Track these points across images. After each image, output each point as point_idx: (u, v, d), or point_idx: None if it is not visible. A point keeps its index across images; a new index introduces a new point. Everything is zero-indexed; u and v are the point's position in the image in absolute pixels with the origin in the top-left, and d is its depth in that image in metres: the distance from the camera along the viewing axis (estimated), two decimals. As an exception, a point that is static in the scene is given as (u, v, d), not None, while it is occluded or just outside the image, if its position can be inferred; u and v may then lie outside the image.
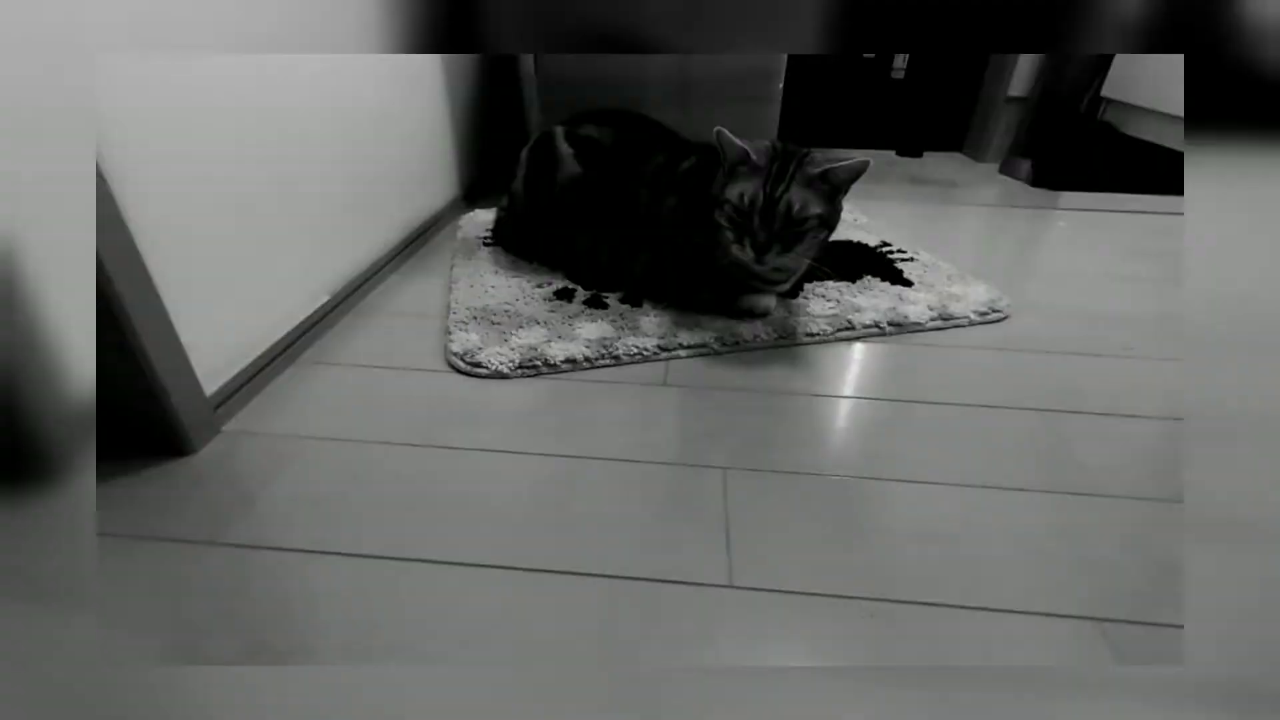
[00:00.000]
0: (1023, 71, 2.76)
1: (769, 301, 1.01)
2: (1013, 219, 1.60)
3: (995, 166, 2.91)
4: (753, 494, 0.68)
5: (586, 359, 0.90)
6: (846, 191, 0.89)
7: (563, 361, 0.89)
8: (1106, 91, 2.48)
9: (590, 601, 0.56)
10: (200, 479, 0.69)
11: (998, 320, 1.04)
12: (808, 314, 1.02)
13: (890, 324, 1.00)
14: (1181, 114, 2.15)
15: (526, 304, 1.04)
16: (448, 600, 0.56)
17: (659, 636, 0.53)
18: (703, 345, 0.94)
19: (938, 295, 1.08)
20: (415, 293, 1.12)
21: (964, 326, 1.02)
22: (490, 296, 1.06)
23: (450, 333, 0.95)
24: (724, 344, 0.94)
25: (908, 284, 1.13)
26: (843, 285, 1.12)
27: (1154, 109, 2.27)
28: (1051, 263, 1.31)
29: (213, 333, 0.75)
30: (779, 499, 0.67)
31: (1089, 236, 1.46)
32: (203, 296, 0.73)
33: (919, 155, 3.01)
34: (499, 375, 0.87)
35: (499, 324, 0.97)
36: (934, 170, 2.85)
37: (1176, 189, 2.35)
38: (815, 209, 0.85)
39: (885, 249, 1.28)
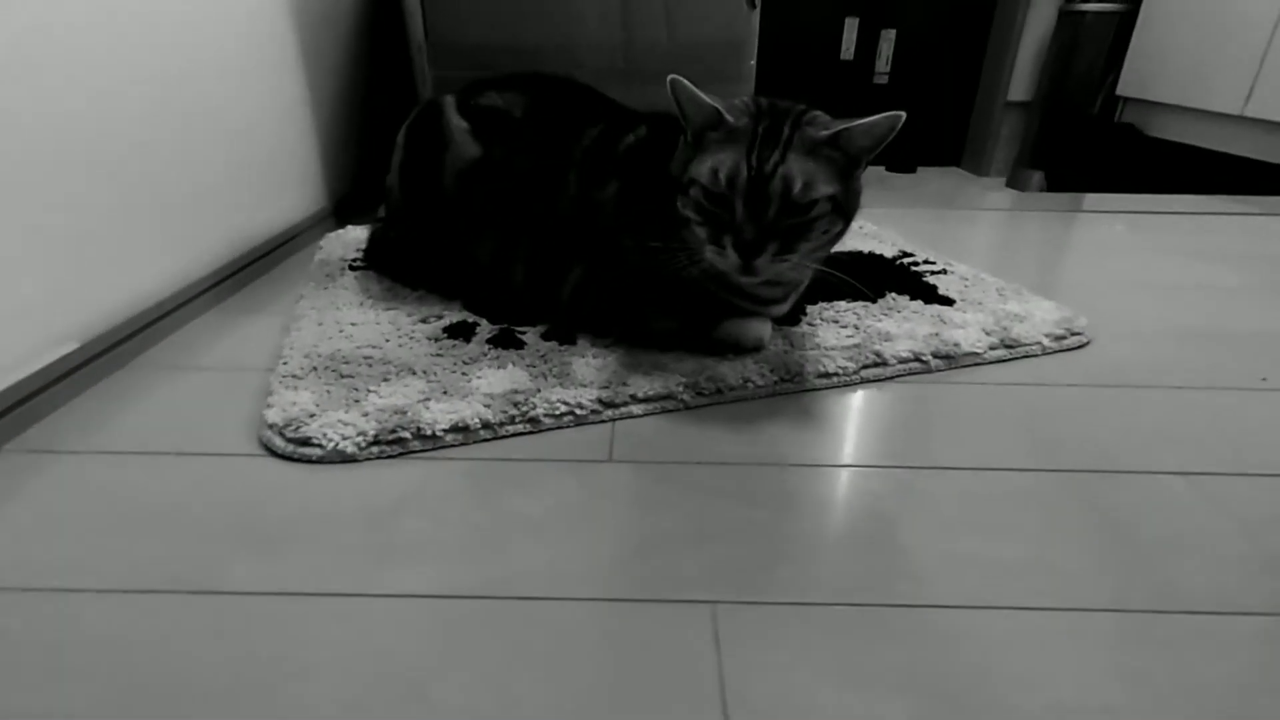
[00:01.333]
0: (1022, 73, 2.77)
1: (762, 330, 0.80)
2: (1046, 224, 1.47)
3: (999, 180, 2.87)
4: (762, 645, 0.44)
5: (486, 425, 0.66)
6: (866, 165, 0.71)
7: (447, 431, 0.65)
8: (1122, 90, 2.47)
9: None
10: None
11: (1078, 346, 0.86)
12: (818, 346, 0.82)
13: (936, 355, 0.80)
14: (1209, 107, 2.13)
15: (400, 346, 0.80)
16: None
17: None
18: (666, 396, 0.72)
19: (991, 315, 0.90)
20: (237, 337, 0.87)
21: (1036, 356, 0.83)
22: (345, 338, 0.82)
23: (272, 394, 0.70)
24: (698, 393, 0.72)
25: (948, 302, 0.94)
26: (860, 306, 0.92)
27: (1179, 105, 2.25)
28: (1114, 272, 1.16)
29: None
30: (804, 651, 0.44)
31: (1144, 240, 1.33)
32: None
33: (912, 171, 2.96)
34: (341, 458, 0.62)
35: (351, 378, 0.73)
36: (932, 187, 2.79)
37: (1213, 188, 2.31)
38: (825, 187, 0.66)
39: (907, 259, 1.11)
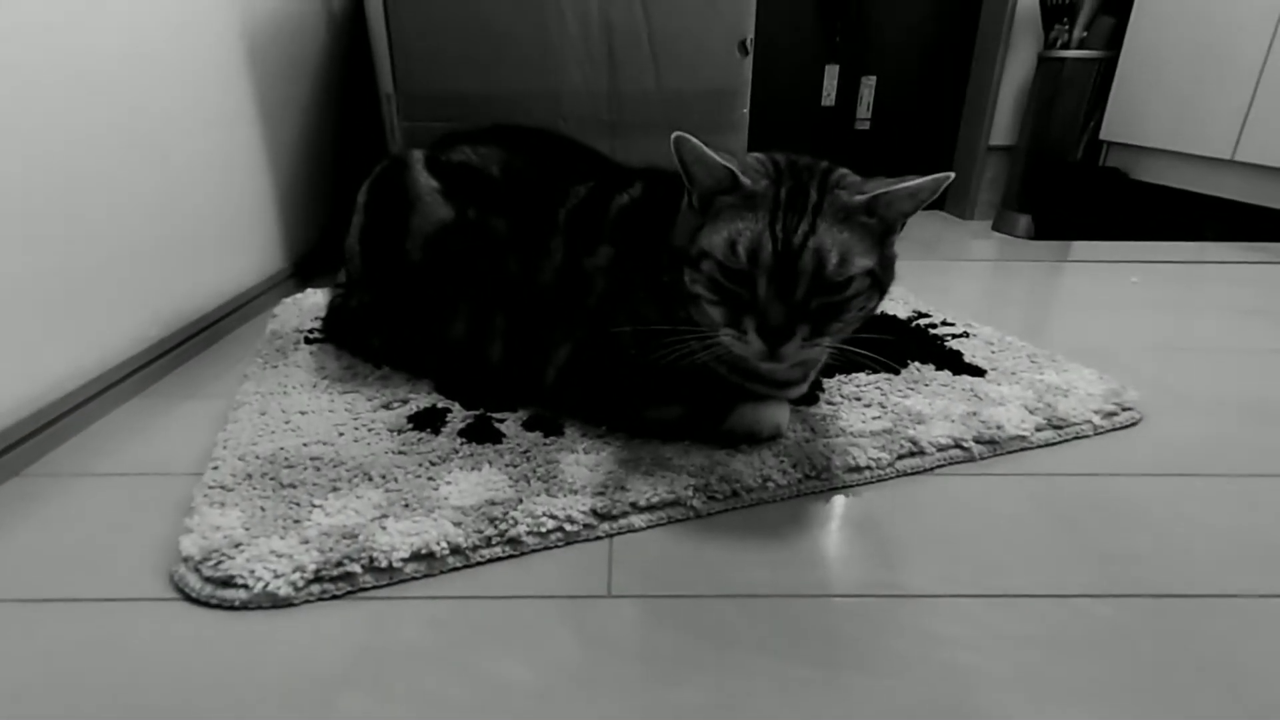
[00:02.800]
0: (1003, 119, 2.76)
1: (780, 416, 0.69)
2: (1049, 275, 1.40)
3: (984, 224, 2.84)
4: None
5: (456, 550, 0.54)
6: (901, 230, 0.61)
7: (407, 560, 0.52)
8: (1106, 134, 2.46)
9: None
10: None
11: (1131, 424, 0.76)
12: (843, 432, 0.71)
13: (978, 440, 0.70)
14: (1195, 151, 2.11)
15: (356, 442, 0.68)
16: None
17: None
18: (673, 503, 0.60)
19: (1031, 388, 0.80)
20: (164, 433, 0.74)
21: (1087, 437, 0.73)
22: (291, 432, 0.69)
23: (192, 514, 0.57)
24: (710, 497, 0.61)
25: (979, 372, 0.84)
26: (882, 379, 0.82)
27: (1163, 148, 2.23)
28: (1146, 331, 1.07)
29: None
30: None
31: (1170, 294, 1.25)
32: None
33: (897, 214, 2.93)
34: (272, 602, 0.49)
35: (293, 488, 0.60)
36: (916, 231, 2.75)
37: (1197, 234, 2.28)
38: (862, 260, 0.56)
39: (924, 321, 1.01)
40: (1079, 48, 2.50)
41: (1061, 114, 2.56)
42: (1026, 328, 1.02)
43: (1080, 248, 1.67)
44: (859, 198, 0.56)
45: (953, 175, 0.55)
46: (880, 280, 0.58)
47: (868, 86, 2.88)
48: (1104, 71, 2.45)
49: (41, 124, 0.68)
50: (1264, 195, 1.95)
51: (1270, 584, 0.53)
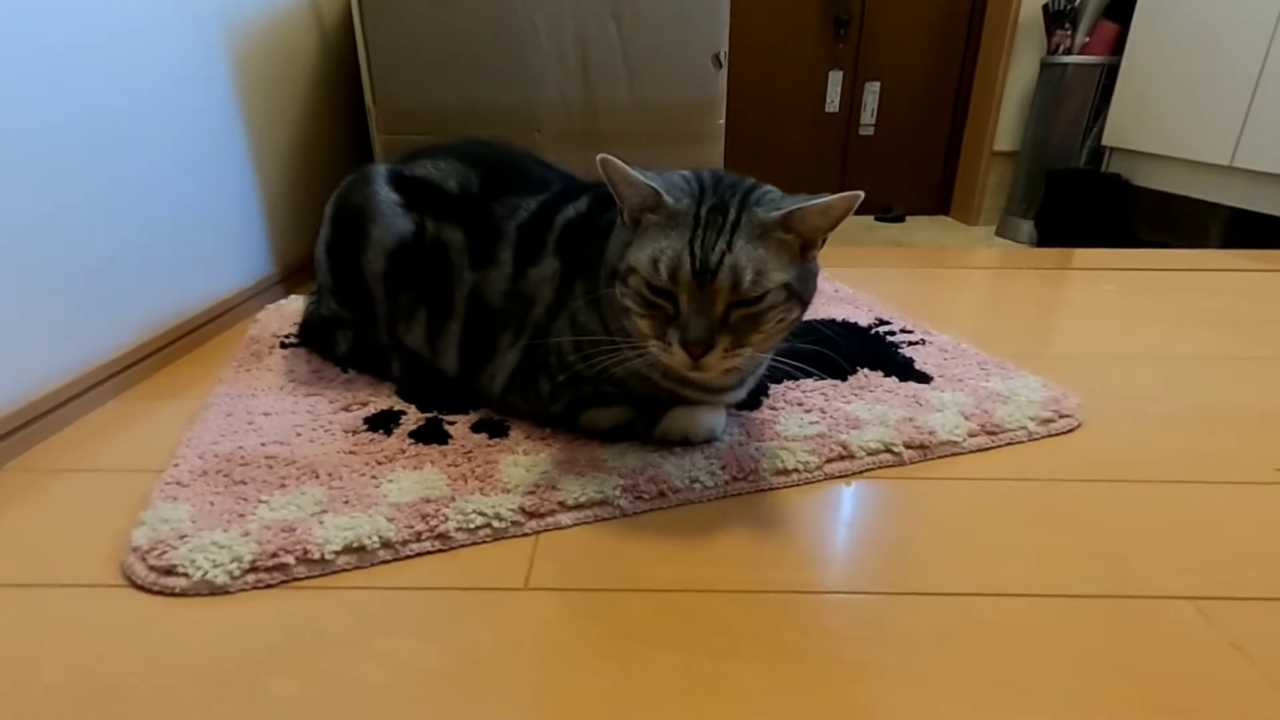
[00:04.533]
0: (1007, 124, 2.76)
1: (713, 421, 0.72)
2: (1036, 284, 1.40)
3: (989, 230, 2.84)
4: None
5: (386, 544, 0.57)
6: (822, 245, 0.63)
7: (339, 552, 0.56)
8: (1107, 140, 2.45)
9: None
10: None
11: (1068, 430, 0.78)
12: (777, 436, 0.73)
13: (909, 445, 0.72)
14: (1197, 158, 2.09)
15: (312, 441, 0.72)
16: None
17: None
18: (601, 502, 0.63)
19: (972, 395, 0.82)
20: (138, 431, 0.78)
21: (1021, 443, 0.75)
22: (252, 432, 0.73)
23: (148, 506, 0.61)
24: (637, 497, 0.64)
25: (924, 379, 0.86)
26: (828, 385, 0.84)
27: (1164, 154, 2.22)
28: (1110, 340, 1.08)
29: None
30: None
31: (1140, 302, 1.26)
32: None
33: (901, 220, 2.93)
34: (209, 589, 0.53)
35: (244, 484, 0.64)
36: (921, 236, 2.75)
37: (1200, 241, 2.26)
38: (778, 275, 0.58)
39: (884, 329, 1.03)
40: (1081, 53, 2.49)
41: (1064, 119, 2.56)
42: (991, 334, 1.04)
43: (1081, 255, 1.67)
44: (774, 214, 0.59)
45: (862, 194, 0.57)
46: (798, 292, 0.61)
47: (871, 92, 2.89)
48: (1107, 77, 2.44)
49: (27, 130, 0.73)
50: (1262, 202, 1.93)
51: (1183, 586, 0.54)
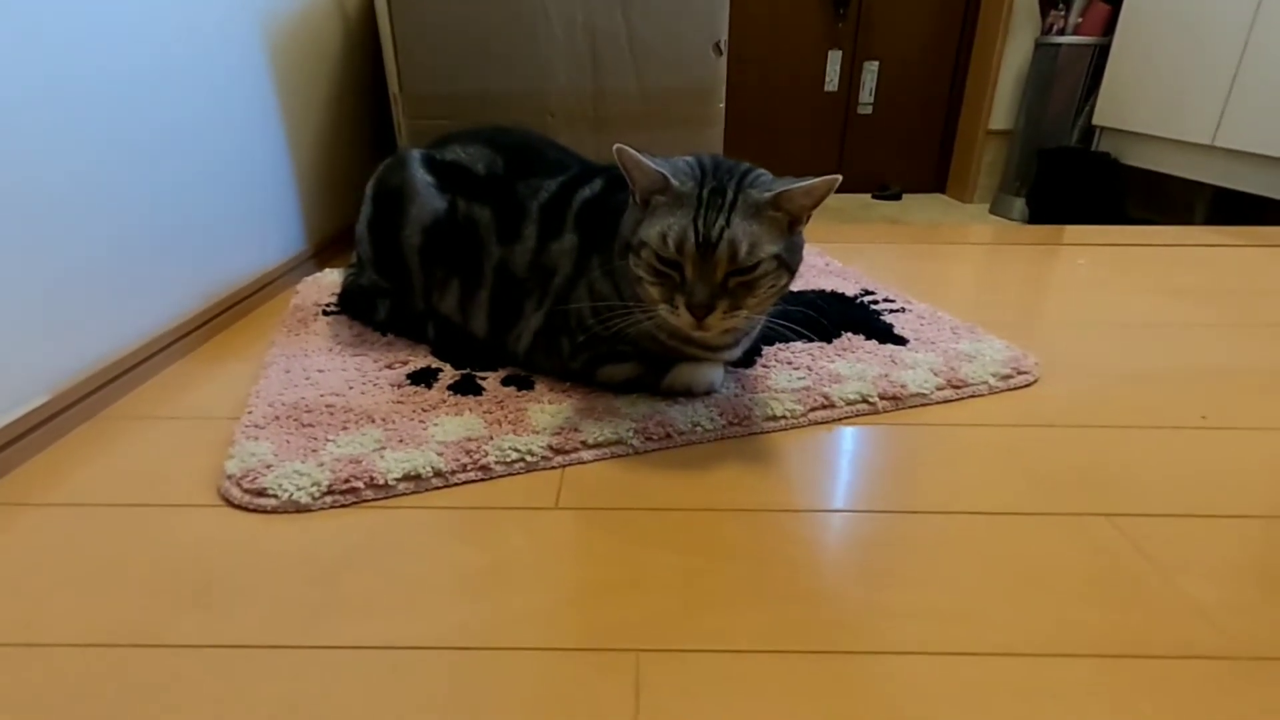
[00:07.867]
0: (1002, 103, 2.83)
1: (713, 375, 0.83)
2: (1016, 259, 1.51)
3: (983, 207, 2.93)
4: (681, 693, 0.46)
5: (438, 473, 0.69)
6: (808, 220, 0.74)
7: (400, 480, 0.68)
8: (1098, 119, 2.53)
9: None
10: None
11: (1025, 385, 0.89)
12: (768, 389, 0.85)
13: (883, 397, 0.83)
14: (1181, 137, 2.18)
15: (364, 393, 0.83)
16: None
17: None
18: (616, 442, 0.74)
19: (942, 355, 0.93)
20: (207, 387, 0.90)
21: (982, 395, 0.86)
22: (310, 386, 0.85)
23: (233, 444, 0.73)
24: (647, 438, 0.75)
25: (901, 341, 0.97)
26: (815, 347, 0.95)
27: (1151, 134, 2.30)
28: (1076, 309, 1.19)
29: None
30: (724, 698, 0.46)
31: (1112, 275, 1.36)
32: None
33: (898, 198, 3.02)
34: (295, 508, 0.65)
35: (312, 426, 0.76)
36: (917, 213, 2.84)
37: (1187, 218, 2.36)
38: (769, 247, 0.69)
39: (868, 298, 1.14)
40: (1074, 33, 2.56)
41: (1057, 98, 2.63)
42: (966, 304, 1.15)
43: (1069, 232, 1.77)
44: (766, 195, 0.69)
45: (840, 178, 0.68)
46: (787, 262, 0.72)
47: (870, 72, 2.96)
48: (1099, 57, 2.51)
49: (93, 135, 0.84)
50: (1241, 180, 2.02)
51: (1101, 505, 0.66)
